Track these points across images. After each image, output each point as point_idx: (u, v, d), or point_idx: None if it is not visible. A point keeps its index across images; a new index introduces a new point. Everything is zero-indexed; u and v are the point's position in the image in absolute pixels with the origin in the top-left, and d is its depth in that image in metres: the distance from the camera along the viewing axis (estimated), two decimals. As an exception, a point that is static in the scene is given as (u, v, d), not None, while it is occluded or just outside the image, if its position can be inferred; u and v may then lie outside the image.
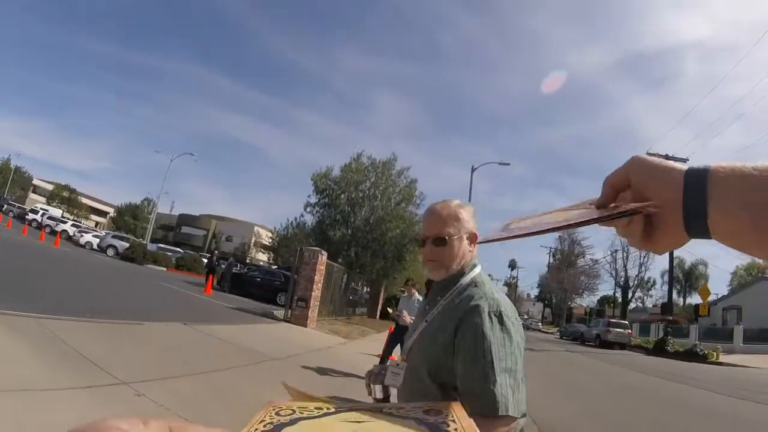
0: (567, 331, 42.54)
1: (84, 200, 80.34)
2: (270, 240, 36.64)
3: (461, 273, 1.63)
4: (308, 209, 24.06)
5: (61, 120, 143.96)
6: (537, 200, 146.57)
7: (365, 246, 22.54)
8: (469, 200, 20.24)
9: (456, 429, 0.45)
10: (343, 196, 23.06)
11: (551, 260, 74.03)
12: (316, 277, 15.05)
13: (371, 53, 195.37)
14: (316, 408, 0.52)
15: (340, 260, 20.32)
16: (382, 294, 25.76)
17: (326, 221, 23.05)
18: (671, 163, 0.58)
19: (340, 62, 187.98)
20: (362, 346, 12.33)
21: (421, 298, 8.42)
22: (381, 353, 8.53)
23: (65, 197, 76.73)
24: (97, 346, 5.95)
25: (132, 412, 4.15)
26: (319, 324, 15.25)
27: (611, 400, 10.16)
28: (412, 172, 24.73)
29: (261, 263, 46.36)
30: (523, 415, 1.46)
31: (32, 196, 76.31)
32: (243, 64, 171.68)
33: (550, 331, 55.46)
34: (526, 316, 72.90)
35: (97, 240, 35.32)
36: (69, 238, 36.29)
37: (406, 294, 8.84)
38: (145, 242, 38.03)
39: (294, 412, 0.50)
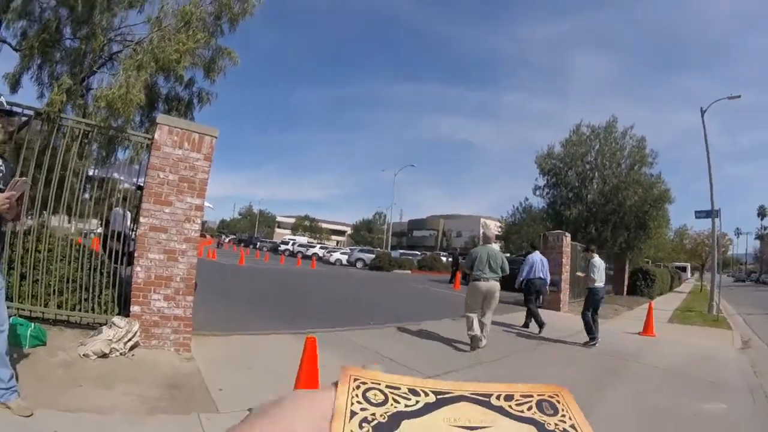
0: None
1: (323, 225, 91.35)
2: (498, 229, 37.09)
3: None
4: (537, 192, 23.99)
5: (288, 162, 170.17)
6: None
7: (604, 220, 21.55)
8: (706, 147, 18.06)
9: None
10: (570, 172, 22.49)
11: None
12: (563, 260, 14.99)
13: (553, 17, 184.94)
14: (409, 390, 0.43)
15: (579, 238, 19.83)
16: (627, 268, 24.27)
17: (558, 201, 22.75)
18: None
19: (525, 36, 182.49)
20: (620, 325, 12.03)
21: (599, 261, 9.28)
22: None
23: (306, 226, 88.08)
24: (394, 348, 6.94)
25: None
26: (571, 306, 15.08)
27: None
28: (636, 130, 22.92)
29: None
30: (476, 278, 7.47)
31: (278, 230, 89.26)
32: (441, 68, 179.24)
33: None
34: None
35: (346, 256, 39.79)
36: (320, 259, 41.00)
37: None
38: (388, 251, 41.68)
39: (386, 398, 0.41)
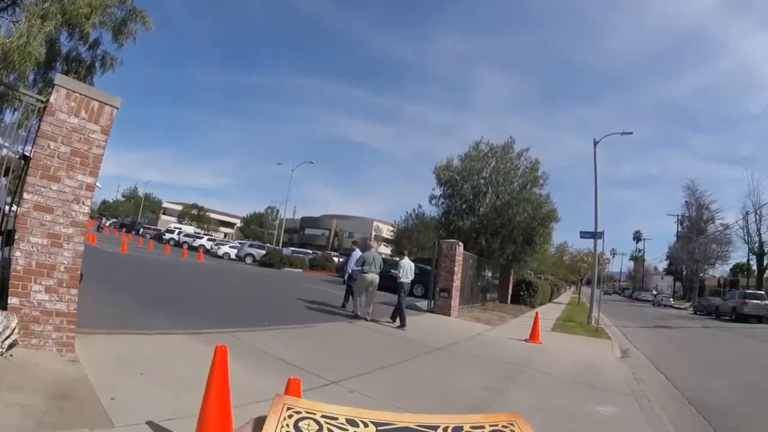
0: (700, 306, 39.90)
1: (212, 215, 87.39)
2: (390, 233, 37.68)
3: None
4: (433, 201, 24.60)
5: (182, 146, 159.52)
6: (661, 164, 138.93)
7: (494, 233, 22.60)
8: (595, 174, 19.84)
9: None
10: (466, 185, 23.32)
11: (679, 228, 68.76)
12: (455, 268, 15.44)
13: (468, 33, 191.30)
14: (347, 420, 0.40)
15: (469, 248, 20.54)
16: (511, 278, 25.65)
17: (452, 212, 23.49)
18: None
19: (439, 48, 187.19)
20: (508, 332, 12.68)
21: (405, 262, 12.15)
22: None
23: (194, 215, 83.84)
24: (290, 351, 6.70)
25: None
26: (460, 312, 15.60)
27: (760, 374, 10.10)
28: (531, 151, 24.39)
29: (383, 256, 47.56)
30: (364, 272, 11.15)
31: (163, 217, 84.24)
32: (347, 69, 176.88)
33: (682, 306, 51.42)
34: (654, 292, 68.08)
35: (235, 250, 38.30)
36: (207, 251, 39.13)
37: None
38: (279, 248, 40.68)
39: (320, 428, 0.39)
